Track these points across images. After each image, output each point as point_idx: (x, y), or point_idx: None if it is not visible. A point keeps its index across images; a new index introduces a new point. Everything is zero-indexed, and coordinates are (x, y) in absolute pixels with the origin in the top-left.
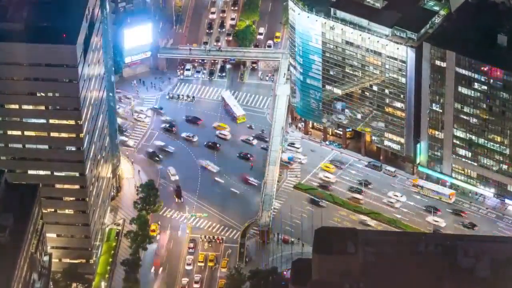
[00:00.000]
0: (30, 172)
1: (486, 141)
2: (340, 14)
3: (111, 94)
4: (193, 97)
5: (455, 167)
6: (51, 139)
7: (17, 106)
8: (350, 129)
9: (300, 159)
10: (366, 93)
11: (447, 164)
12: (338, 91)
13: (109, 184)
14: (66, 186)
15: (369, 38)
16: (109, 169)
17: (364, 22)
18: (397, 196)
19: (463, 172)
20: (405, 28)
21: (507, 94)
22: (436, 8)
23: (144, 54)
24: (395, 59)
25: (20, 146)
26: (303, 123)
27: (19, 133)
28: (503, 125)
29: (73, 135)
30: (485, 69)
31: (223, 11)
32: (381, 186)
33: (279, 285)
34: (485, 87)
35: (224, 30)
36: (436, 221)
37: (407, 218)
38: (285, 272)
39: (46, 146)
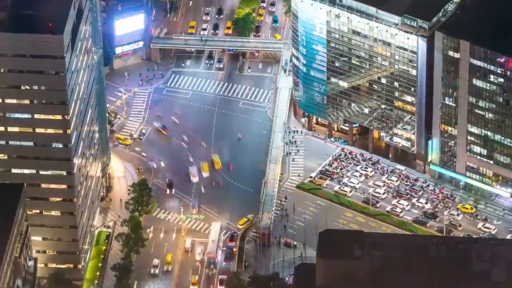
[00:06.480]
0: (14, 170)
1: (502, 138)
2: (346, 1)
3: (100, 87)
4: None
5: (469, 165)
6: (37, 136)
7: (0, 100)
8: (357, 125)
9: None
10: (374, 86)
11: (461, 162)
12: (344, 84)
13: (98, 183)
14: (52, 186)
15: (377, 27)
16: (98, 168)
17: (372, 9)
18: (488, 228)
19: (478, 170)
20: (416, 16)
21: None
22: None
23: (136, 44)
24: (405, 49)
25: (3, 142)
26: (306, 118)
27: (2, 129)
28: None
29: (60, 131)
30: (502, 60)
31: None
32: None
33: None
34: (502, 80)
35: (222, 17)
36: (452, 214)
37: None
38: (287, 278)
39: (31, 143)
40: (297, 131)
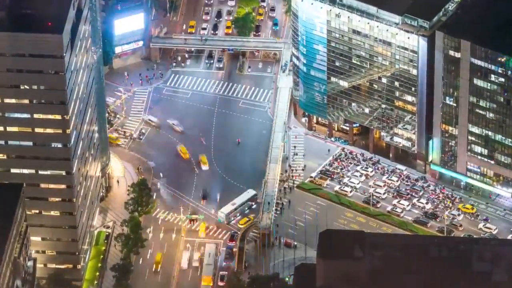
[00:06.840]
0: (13, 170)
1: (503, 137)
2: (347, 0)
3: (100, 86)
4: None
5: (470, 165)
6: (36, 135)
7: None
8: (358, 125)
9: None
10: (374, 85)
11: (462, 162)
12: (344, 84)
13: (98, 183)
14: (51, 186)
15: (377, 26)
16: (98, 168)
17: (372, 9)
18: (489, 228)
19: (478, 170)
20: (417, 16)
21: None
22: None
23: (136, 44)
24: (406, 49)
25: (2, 142)
26: (306, 118)
27: (1, 128)
28: None
29: (59, 131)
30: (503, 60)
31: None
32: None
33: None
34: (503, 79)
35: (221, 20)
36: (453, 214)
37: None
38: (287, 278)
39: (30, 143)
40: (297, 154)
